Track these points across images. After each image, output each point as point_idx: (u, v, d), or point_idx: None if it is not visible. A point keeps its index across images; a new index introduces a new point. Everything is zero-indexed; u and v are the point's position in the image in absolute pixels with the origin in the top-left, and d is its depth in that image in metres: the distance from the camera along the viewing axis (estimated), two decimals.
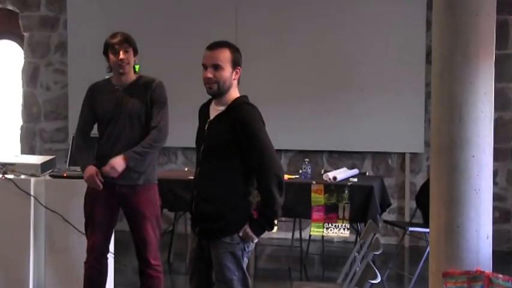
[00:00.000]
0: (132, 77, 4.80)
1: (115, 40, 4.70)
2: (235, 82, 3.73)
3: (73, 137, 5.71)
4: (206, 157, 3.74)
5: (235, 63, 3.69)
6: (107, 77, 4.89)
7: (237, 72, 3.71)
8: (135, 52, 4.77)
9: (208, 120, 3.77)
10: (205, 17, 8.33)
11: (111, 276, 5.64)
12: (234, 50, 3.72)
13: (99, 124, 4.88)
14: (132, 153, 4.66)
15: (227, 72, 3.67)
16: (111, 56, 4.73)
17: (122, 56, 4.68)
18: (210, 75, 3.66)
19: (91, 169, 4.72)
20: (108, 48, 4.73)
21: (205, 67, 3.70)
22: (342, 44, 8.10)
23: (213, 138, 3.72)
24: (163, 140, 4.78)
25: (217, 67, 3.65)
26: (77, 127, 4.98)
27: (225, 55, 3.67)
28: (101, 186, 4.70)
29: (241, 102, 3.71)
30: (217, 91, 3.69)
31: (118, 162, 4.64)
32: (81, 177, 5.29)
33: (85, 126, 4.93)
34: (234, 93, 3.75)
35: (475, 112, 4.30)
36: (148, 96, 4.75)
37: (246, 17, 8.32)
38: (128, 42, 4.71)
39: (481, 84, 4.31)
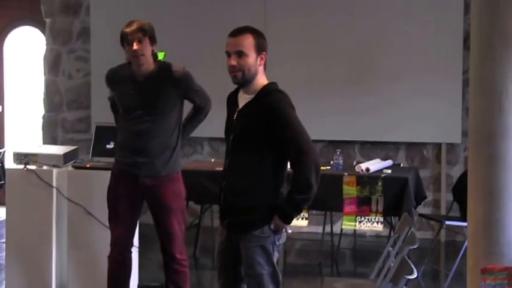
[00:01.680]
0: (151, 65, 4.65)
1: (128, 30, 4.55)
2: (261, 68, 3.62)
3: (96, 127, 5.65)
4: (235, 148, 3.65)
5: (260, 49, 3.58)
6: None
7: (262, 58, 3.60)
8: (153, 41, 4.61)
9: (237, 109, 3.67)
10: (234, 1, 8.19)
11: (136, 271, 5.63)
12: (258, 35, 3.61)
13: (120, 114, 4.76)
14: (186, 134, 4.90)
15: (251, 58, 3.56)
16: (126, 47, 4.59)
17: (135, 46, 4.54)
18: (233, 62, 3.56)
19: None
20: (123, 39, 4.57)
21: (228, 54, 3.60)
22: (375, 29, 7.95)
23: (242, 128, 3.62)
24: (208, 110, 4.89)
25: (241, 54, 3.55)
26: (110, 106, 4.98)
27: (249, 41, 3.56)
28: None
29: (270, 90, 3.61)
30: (242, 79, 3.59)
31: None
32: (105, 169, 5.27)
33: (115, 106, 4.93)
34: (262, 80, 3.64)
35: None
36: (176, 91, 4.64)
37: (275, 1, 8.15)
38: (142, 31, 4.54)
39: None
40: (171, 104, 4.64)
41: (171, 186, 4.72)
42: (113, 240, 4.80)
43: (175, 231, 4.73)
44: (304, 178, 3.48)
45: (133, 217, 4.81)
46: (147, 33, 4.56)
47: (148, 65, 4.62)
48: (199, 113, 4.86)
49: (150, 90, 4.62)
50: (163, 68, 4.67)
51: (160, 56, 4.78)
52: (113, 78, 4.77)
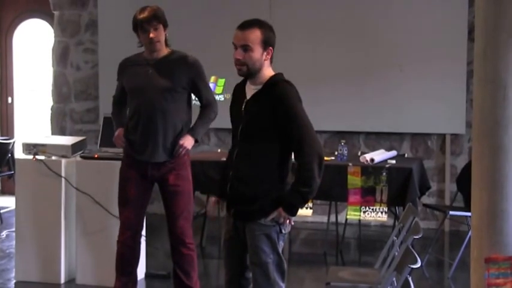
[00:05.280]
0: (164, 51, 4.74)
1: (143, 17, 4.61)
2: (266, 62, 3.63)
3: (104, 118, 5.70)
4: (244, 138, 3.66)
5: (266, 44, 3.59)
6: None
7: (268, 53, 3.61)
8: (166, 26, 4.69)
9: (245, 100, 3.68)
10: None
11: (143, 259, 5.64)
12: (266, 29, 3.61)
13: (129, 97, 4.83)
14: (198, 129, 4.81)
15: (257, 53, 3.57)
16: (141, 35, 4.66)
17: (151, 35, 4.62)
18: (239, 56, 3.58)
19: (119, 130, 4.87)
20: (137, 26, 4.63)
21: (235, 47, 3.62)
22: (380, 22, 7.95)
23: (250, 118, 3.63)
24: (217, 112, 4.91)
25: (246, 48, 3.57)
26: (113, 97, 5.02)
27: (256, 35, 3.56)
28: (122, 145, 4.84)
29: (277, 80, 3.63)
30: (246, 72, 3.62)
31: (187, 141, 4.74)
32: (113, 159, 5.31)
33: (120, 97, 4.96)
34: (268, 71, 3.65)
35: None
36: (186, 74, 4.70)
37: None
38: (156, 18, 4.62)
39: None
40: (181, 88, 4.69)
41: (179, 170, 4.76)
42: (122, 223, 4.84)
43: (183, 214, 4.78)
44: (307, 170, 3.50)
45: (142, 200, 4.84)
46: (161, 20, 4.64)
47: (162, 50, 4.71)
48: (208, 109, 4.86)
49: (161, 71, 4.68)
50: (176, 53, 4.76)
51: (167, 42, 4.80)
52: (126, 62, 4.85)
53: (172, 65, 4.70)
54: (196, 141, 4.81)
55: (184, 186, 4.80)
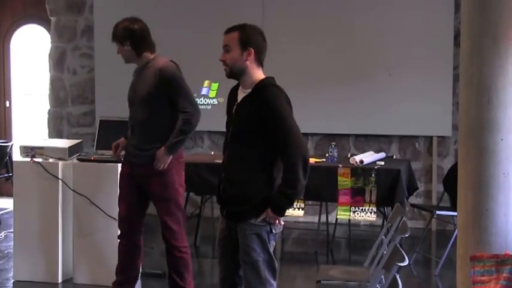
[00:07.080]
0: (143, 59, 4.84)
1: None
2: (250, 64, 3.70)
3: (100, 121, 5.79)
4: (234, 140, 3.75)
5: (245, 44, 3.68)
6: None
7: (249, 54, 3.68)
8: (122, 41, 4.81)
9: (236, 103, 3.77)
10: (232, 1, 8.28)
11: None
12: (246, 31, 3.71)
13: None
14: (171, 145, 4.74)
15: (235, 53, 3.68)
16: None
17: (117, 52, 4.86)
18: (221, 57, 3.73)
19: (121, 140, 5.00)
20: None
21: None
22: (369, 26, 8.03)
23: (240, 121, 3.72)
24: (195, 121, 4.76)
25: (227, 49, 3.71)
26: None
27: (234, 37, 3.69)
28: (118, 156, 5.00)
29: (266, 84, 3.71)
30: (229, 73, 3.74)
31: (160, 159, 4.73)
32: (109, 161, 5.42)
33: None
34: (258, 75, 3.73)
35: (504, 95, 4.26)
36: (158, 85, 4.74)
37: (273, 0, 8.26)
38: (114, 37, 4.85)
39: (510, 66, 4.26)
40: (156, 97, 4.73)
41: (161, 177, 4.80)
42: (119, 219, 4.96)
43: (172, 220, 4.85)
44: (292, 172, 3.58)
45: (134, 198, 4.89)
46: (117, 37, 4.83)
47: (139, 60, 4.85)
48: (182, 121, 4.73)
49: (140, 82, 4.80)
50: (154, 62, 4.82)
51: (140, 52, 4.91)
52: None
53: (146, 76, 4.78)
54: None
55: (171, 193, 4.84)
